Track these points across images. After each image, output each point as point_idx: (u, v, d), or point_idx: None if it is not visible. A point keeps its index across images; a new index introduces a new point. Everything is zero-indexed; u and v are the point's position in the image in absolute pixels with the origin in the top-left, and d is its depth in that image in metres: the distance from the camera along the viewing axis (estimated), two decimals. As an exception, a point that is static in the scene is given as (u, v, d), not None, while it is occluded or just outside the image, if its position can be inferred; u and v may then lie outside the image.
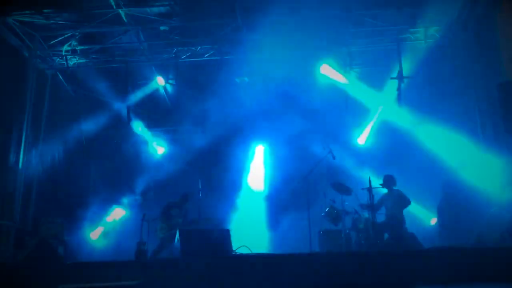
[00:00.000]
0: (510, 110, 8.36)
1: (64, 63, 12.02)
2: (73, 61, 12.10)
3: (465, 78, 11.22)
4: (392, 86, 11.50)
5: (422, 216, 11.33)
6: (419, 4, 10.51)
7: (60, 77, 12.45)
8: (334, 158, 9.82)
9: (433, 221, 11.05)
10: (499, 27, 9.54)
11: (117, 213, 12.18)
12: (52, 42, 11.55)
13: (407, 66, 11.30)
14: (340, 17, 11.01)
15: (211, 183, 11.10)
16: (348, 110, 12.52)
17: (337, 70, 12.25)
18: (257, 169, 12.78)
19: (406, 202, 9.17)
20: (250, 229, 10.69)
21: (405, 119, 11.72)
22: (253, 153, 12.95)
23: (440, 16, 10.74)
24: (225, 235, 7.66)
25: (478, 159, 9.92)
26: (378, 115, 12.44)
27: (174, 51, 12.04)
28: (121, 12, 10.62)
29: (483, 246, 8.01)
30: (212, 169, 11.96)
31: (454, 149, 10.67)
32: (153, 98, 13.02)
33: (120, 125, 12.81)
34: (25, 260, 8.29)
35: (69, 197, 11.67)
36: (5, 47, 10.64)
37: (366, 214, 9.14)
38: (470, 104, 11.06)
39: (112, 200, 12.04)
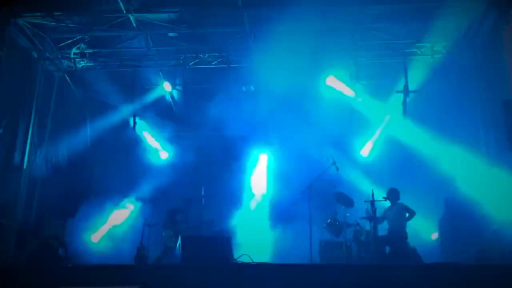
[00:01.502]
0: (515, 128, 8.37)
1: (72, 66, 12.08)
2: (81, 64, 12.15)
3: (471, 94, 11.28)
4: (397, 99, 11.54)
5: (424, 230, 11.29)
6: (427, 20, 10.56)
7: (68, 79, 12.53)
8: (337, 169, 9.81)
9: (434, 236, 11.02)
10: (506, 45, 9.59)
11: (119, 217, 12.19)
12: (61, 44, 11.63)
13: (413, 80, 11.35)
14: (347, 29, 11.10)
15: (214, 190, 11.11)
16: (353, 122, 12.56)
17: (343, 82, 12.29)
18: (260, 177, 12.79)
19: (411, 214, 9.12)
20: (251, 237, 10.67)
21: (409, 133, 11.74)
22: (257, 161, 12.96)
23: (447, 32, 10.77)
24: (227, 243, 7.67)
25: (482, 175, 9.92)
26: (383, 128, 12.46)
27: (182, 57, 12.10)
28: (131, 17, 10.72)
29: (484, 263, 7.98)
30: (216, 176, 11.96)
31: (458, 165, 10.67)
32: (159, 104, 13.09)
33: (125, 129, 12.86)
34: (26, 261, 8.31)
35: (72, 199, 11.69)
36: (15, 47, 10.70)
37: (367, 227, 9.12)
38: (474, 121, 11.08)
39: (115, 203, 12.05)
